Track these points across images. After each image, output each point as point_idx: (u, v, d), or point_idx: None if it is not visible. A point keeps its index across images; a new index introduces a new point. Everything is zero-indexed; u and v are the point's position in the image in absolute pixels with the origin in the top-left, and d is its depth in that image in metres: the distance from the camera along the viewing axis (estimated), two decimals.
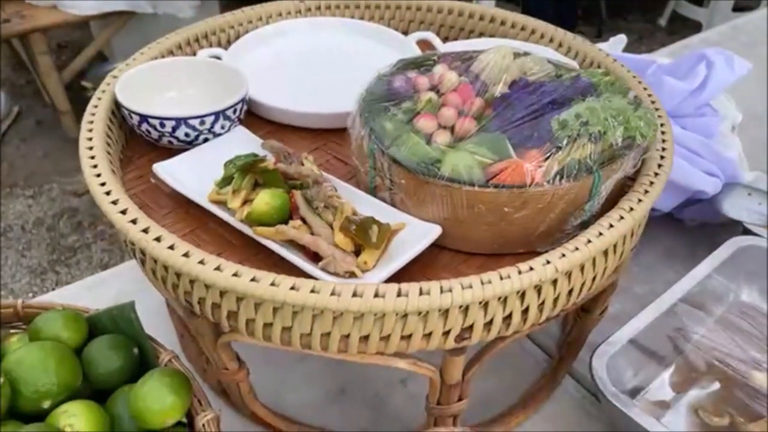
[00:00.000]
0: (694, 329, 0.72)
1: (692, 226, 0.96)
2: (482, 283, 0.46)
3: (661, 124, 0.63)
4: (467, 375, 0.55)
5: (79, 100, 2.71)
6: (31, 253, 2.25)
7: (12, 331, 0.64)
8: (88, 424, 0.52)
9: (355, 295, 0.45)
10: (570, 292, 0.53)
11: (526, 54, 0.69)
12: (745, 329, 0.74)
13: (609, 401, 0.61)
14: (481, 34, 0.88)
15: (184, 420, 0.56)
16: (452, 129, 0.58)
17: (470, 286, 0.46)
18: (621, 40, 1.21)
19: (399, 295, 0.45)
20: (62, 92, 2.66)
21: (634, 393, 0.69)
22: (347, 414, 0.71)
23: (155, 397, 0.53)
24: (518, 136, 0.55)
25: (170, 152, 0.66)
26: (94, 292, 0.83)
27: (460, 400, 0.58)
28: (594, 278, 0.54)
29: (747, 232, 0.85)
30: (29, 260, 2.23)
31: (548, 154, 0.53)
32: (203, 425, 0.55)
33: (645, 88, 0.69)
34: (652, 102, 0.67)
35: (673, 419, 0.67)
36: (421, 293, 0.46)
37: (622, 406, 0.60)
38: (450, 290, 0.46)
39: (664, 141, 0.61)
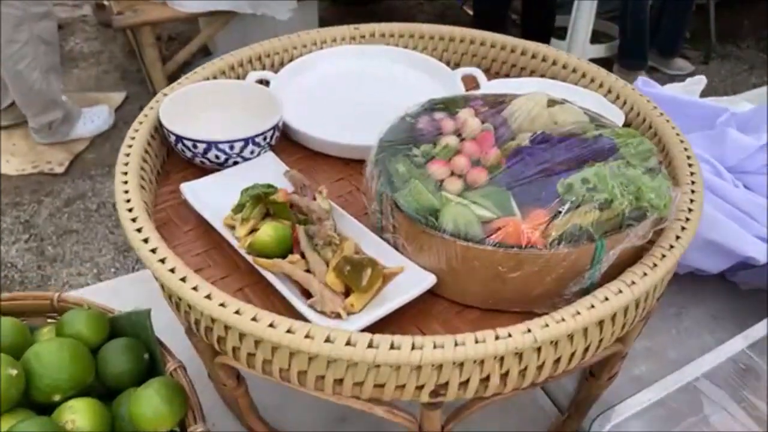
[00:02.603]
0: (716, 411, 0.68)
1: (746, 290, 0.90)
2: (455, 344, 0.46)
3: (692, 191, 0.60)
4: (447, 428, 0.55)
5: None
6: (119, 231, 2.41)
7: (49, 320, 0.71)
8: (90, 422, 0.56)
9: (327, 340, 0.46)
10: (558, 360, 0.52)
11: (562, 102, 0.67)
12: None
13: None
14: (532, 72, 0.87)
15: (177, 429, 0.59)
16: (465, 177, 0.58)
17: (442, 346, 0.46)
18: (699, 81, 1.15)
19: (370, 346, 0.46)
20: (164, 83, 2.84)
21: None
22: None
23: (149, 404, 0.57)
24: (525, 194, 0.54)
25: (205, 171, 0.70)
26: (134, 287, 0.89)
27: None
28: (587, 348, 0.53)
29: None
30: (116, 237, 2.39)
31: (551, 217, 0.52)
32: None
33: (686, 149, 0.66)
34: (690, 165, 0.63)
35: None
36: (392, 347, 0.46)
37: None
38: (421, 347, 0.46)
39: (690, 211, 0.58)
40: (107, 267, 2.33)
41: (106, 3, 3.55)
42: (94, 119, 2.82)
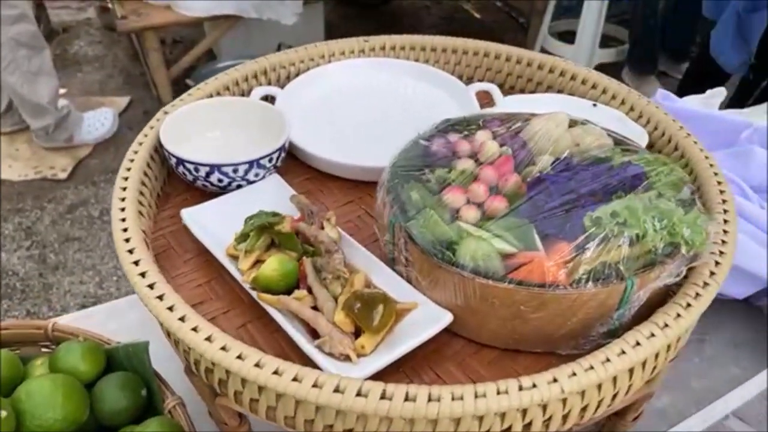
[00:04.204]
0: None
1: None
2: (476, 395, 0.43)
3: (725, 221, 0.56)
4: None
5: None
6: None
7: (44, 349, 0.68)
8: None
9: (337, 390, 0.43)
10: (585, 408, 0.48)
11: (584, 123, 0.64)
12: None
13: None
14: (549, 88, 0.83)
15: None
16: (482, 206, 0.55)
17: (461, 398, 0.43)
18: (719, 93, 1.11)
19: (383, 397, 0.43)
20: (168, 87, 2.81)
21: None
22: None
23: None
24: (549, 226, 0.51)
25: (206, 193, 0.66)
26: (134, 310, 0.85)
27: None
28: (615, 395, 0.49)
29: None
30: None
31: (576, 253, 0.48)
32: None
33: (716, 174, 0.62)
34: (721, 192, 0.60)
35: None
36: (407, 398, 0.43)
37: None
38: (439, 399, 0.43)
39: (724, 243, 0.54)
40: (109, 275, 2.30)
41: (110, 6, 3.54)
42: (99, 127, 2.79)
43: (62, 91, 2.91)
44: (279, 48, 2.96)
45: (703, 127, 0.98)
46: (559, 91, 0.82)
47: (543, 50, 3.12)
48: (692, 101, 1.10)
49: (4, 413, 0.52)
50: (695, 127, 0.96)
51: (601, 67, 3.13)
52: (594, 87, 0.79)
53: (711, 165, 0.63)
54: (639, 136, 0.71)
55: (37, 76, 2.45)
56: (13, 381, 0.59)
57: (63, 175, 2.62)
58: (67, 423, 0.55)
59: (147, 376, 0.61)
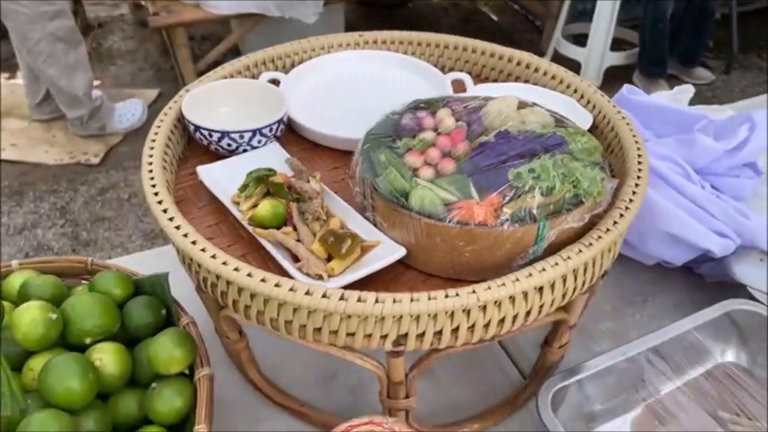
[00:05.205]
0: (659, 382, 0.76)
1: (710, 282, 0.98)
2: (411, 300, 0.56)
3: (636, 184, 0.69)
4: (410, 376, 0.65)
5: None
6: (147, 219, 2.55)
7: (83, 281, 0.82)
8: (114, 361, 0.68)
9: (307, 293, 0.57)
10: (502, 320, 0.61)
11: (532, 105, 0.76)
12: (714, 393, 0.76)
13: (542, 421, 0.67)
14: (517, 78, 0.96)
15: (187, 372, 0.70)
16: (436, 166, 0.68)
17: (400, 301, 0.56)
18: (687, 90, 1.22)
19: (341, 298, 0.56)
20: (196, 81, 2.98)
21: (590, 424, 0.75)
22: (332, 396, 0.83)
23: (163, 349, 0.67)
24: (483, 181, 0.64)
25: (219, 157, 0.81)
26: (156, 259, 0.99)
27: (407, 397, 0.67)
28: (529, 312, 0.62)
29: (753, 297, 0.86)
30: (145, 225, 2.54)
31: (501, 201, 0.61)
32: (198, 379, 0.69)
33: (638, 148, 0.74)
34: (639, 162, 0.72)
35: None
36: (359, 300, 0.56)
37: (550, 427, 0.66)
38: (383, 302, 0.56)
39: (631, 201, 0.66)
40: (136, 252, 2.47)
41: (143, 2, 3.73)
42: (129, 117, 2.96)
43: (96, 82, 3.10)
44: None
45: (663, 117, 1.09)
46: (525, 81, 0.95)
47: (556, 52, 3.23)
48: (661, 96, 1.21)
49: (54, 315, 0.67)
50: (655, 117, 1.09)
51: (612, 70, 3.22)
52: (553, 78, 0.91)
53: (636, 141, 0.76)
54: (585, 118, 0.84)
55: (73, 70, 2.63)
56: (59, 300, 0.73)
57: (95, 161, 2.81)
58: (102, 329, 0.70)
59: (166, 300, 0.75)
